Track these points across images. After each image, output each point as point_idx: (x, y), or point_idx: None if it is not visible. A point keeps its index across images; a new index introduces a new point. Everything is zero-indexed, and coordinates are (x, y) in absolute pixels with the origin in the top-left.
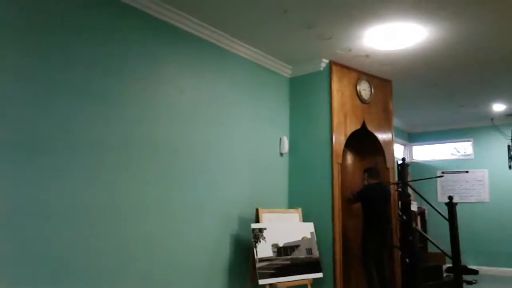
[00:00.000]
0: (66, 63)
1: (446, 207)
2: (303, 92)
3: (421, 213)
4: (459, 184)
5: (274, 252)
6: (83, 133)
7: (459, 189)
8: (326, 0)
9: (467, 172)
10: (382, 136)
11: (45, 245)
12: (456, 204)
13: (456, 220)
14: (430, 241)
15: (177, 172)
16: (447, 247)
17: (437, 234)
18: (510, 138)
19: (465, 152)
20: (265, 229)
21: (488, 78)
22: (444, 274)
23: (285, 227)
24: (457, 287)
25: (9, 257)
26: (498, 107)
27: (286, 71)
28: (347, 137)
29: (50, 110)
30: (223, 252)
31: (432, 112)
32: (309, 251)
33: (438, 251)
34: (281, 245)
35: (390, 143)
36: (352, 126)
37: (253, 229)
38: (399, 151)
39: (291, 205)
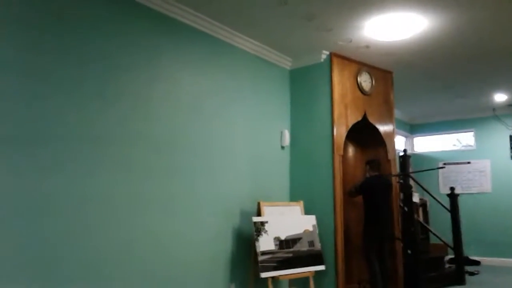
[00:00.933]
0: (61, 57)
1: (448, 198)
2: (304, 84)
3: (423, 204)
4: (461, 175)
5: (276, 245)
6: (80, 127)
7: (461, 180)
8: None
9: (469, 163)
10: (384, 128)
11: (40, 239)
12: (458, 195)
13: (458, 211)
14: (432, 232)
15: (178, 167)
16: (449, 238)
17: (439, 225)
18: None
19: (467, 143)
20: (266, 222)
21: (490, 68)
22: (446, 265)
23: (286, 220)
24: (459, 278)
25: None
26: (500, 97)
27: (287, 63)
28: (348, 129)
29: (46, 104)
30: (225, 246)
31: (434, 103)
32: (311, 243)
33: (440, 242)
34: (283, 238)
35: (391, 134)
36: (353, 118)
37: (255, 223)
38: (400, 143)
39: (293, 198)
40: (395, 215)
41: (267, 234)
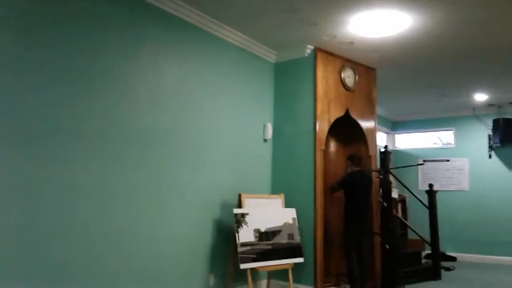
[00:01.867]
0: (44, 48)
1: (426, 195)
2: (288, 78)
3: (402, 200)
4: (440, 173)
5: (256, 237)
6: (60, 117)
7: (439, 178)
8: None
9: (448, 160)
10: (365, 124)
11: (22, 231)
12: (436, 192)
13: (435, 208)
14: (410, 228)
15: (159, 158)
16: (426, 234)
17: (417, 221)
18: (491, 128)
19: (447, 141)
20: (247, 214)
21: (471, 68)
22: (423, 261)
23: (267, 213)
24: (435, 273)
25: None
26: (480, 97)
27: (271, 56)
28: (330, 124)
29: (28, 94)
30: (206, 237)
31: (415, 101)
32: (291, 236)
33: (418, 237)
34: (263, 230)
35: (373, 131)
36: (336, 113)
37: (236, 214)
38: (382, 139)
39: (274, 190)
40: (375, 211)
41: (247, 226)
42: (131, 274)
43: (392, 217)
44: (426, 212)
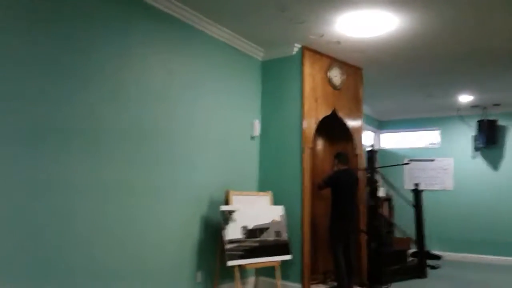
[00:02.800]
0: (28, 42)
1: (412, 194)
2: (275, 76)
3: (388, 199)
4: (425, 172)
5: (243, 234)
6: (48, 115)
7: (425, 177)
8: None
9: (433, 160)
10: (352, 123)
11: (15, 229)
12: (421, 191)
13: (421, 207)
14: (396, 226)
15: (147, 154)
16: (412, 233)
17: (403, 220)
18: (475, 128)
19: (432, 141)
20: (234, 211)
21: (456, 69)
22: (409, 259)
23: (255, 210)
24: (421, 271)
25: None
26: (464, 98)
27: (259, 54)
28: (317, 122)
29: (15, 93)
30: (193, 234)
31: (402, 100)
32: (278, 233)
33: (404, 236)
34: (250, 227)
35: (359, 130)
36: (323, 112)
37: (223, 211)
38: (368, 138)
39: (262, 188)
40: (361, 209)
41: (235, 223)
42: (118, 270)
43: (378, 215)
44: (411, 211)
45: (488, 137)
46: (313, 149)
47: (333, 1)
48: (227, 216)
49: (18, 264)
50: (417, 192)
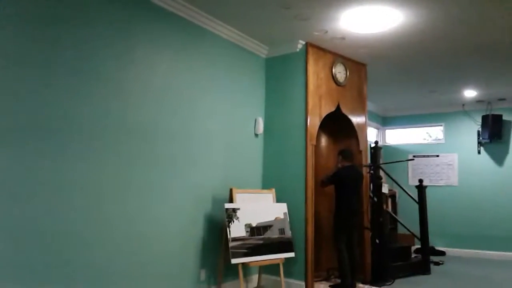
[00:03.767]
0: (34, 39)
1: (416, 190)
2: (279, 73)
3: (392, 195)
4: (429, 168)
5: (247, 232)
6: (50, 109)
7: (429, 173)
8: None
9: (437, 156)
10: (356, 119)
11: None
12: (426, 187)
13: (425, 203)
14: (400, 222)
15: (151, 153)
16: (416, 229)
17: (407, 216)
18: (480, 123)
19: (436, 137)
20: (238, 209)
21: (461, 65)
22: (413, 255)
23: (258, 207)
24: (425, 268)
25: None
26: (469, 93)
27: (263, 51)
28: (321, 119)
29: (17, 91)
30: (197, 232)
31: (406, 96)
32: (282, 231)
33: (408, 232)
34: (254, 225)
35: (363, 126)
36: (327, 109)
37: (227, 209)
38: (372, 134)
39: (265, 185)
40: (365, 205)
41: (239, 221)
42: (123, 270)
43: (382, 212)
44: (416, 207)
45: (493, 132)
46: (317, 146)
47: None
48: (230, 214)
49: (10, 265)
50: (421, 188)
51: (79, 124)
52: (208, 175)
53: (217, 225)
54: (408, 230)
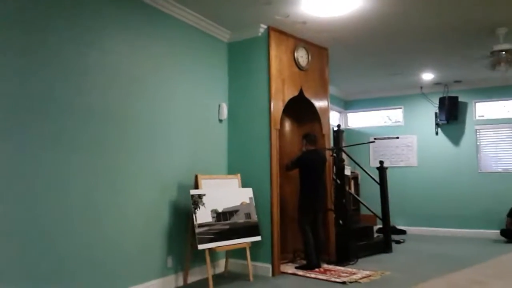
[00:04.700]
0: None
1: (377, 172)
2: (242, 58)
3: (355, 177)
4: (390, 150)
5: (213, 217)
6: (4, 94)
7: (390, 155)
8: None
9: (397, 138)
10: (319, 103)
11: None
12: (386, 168)
13: (386, 184)
14: (362, 203)
15: (113, 139)
16: (378, 209)
17: (369, 197)
18: (437, 105)
19: (396, 119)
20: (204, 195)
21: (419, 48)
22: (375, 235)
23: (224, 193)
24: (386, 246)
25: None
26: (427, 76)
27: (225, 36)
28: (285, 103)
29: None
30: (162, 219)
31: (366, 80)
32: (248, 215)
33: (370, 213)
34: (220, 210)
35: (326, 110)
36: (290, 93)
37: (192, 195)
38: (335, 118)
39: (230, 171)
40: (329, 188)
41: (205, 206)
42: (86, 258)
43: (345, 193)
44: (377, 188)
45: (450, 114)
46: (281, 130)
47: None
48: (196, 200)
49: None
50: (382, 170)
51: (33, 110)
52: (172, 162)
53: (183, 212)
54: (370, 210)
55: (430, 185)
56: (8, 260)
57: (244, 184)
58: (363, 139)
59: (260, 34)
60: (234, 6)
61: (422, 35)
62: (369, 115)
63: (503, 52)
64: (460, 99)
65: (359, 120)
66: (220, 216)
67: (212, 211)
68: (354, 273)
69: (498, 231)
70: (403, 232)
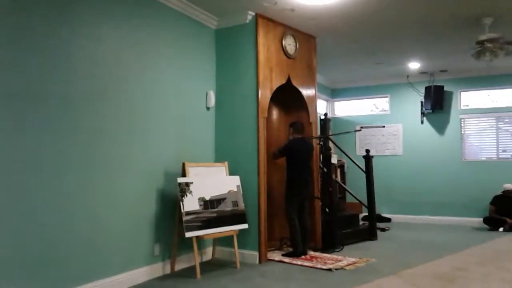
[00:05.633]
0: None
1: (363, 160)
2: (229, 45)
3: (341, 165)
4: (376, 138)
5: (200, 205)
6: None
7: (376, 143)
8: None
9: (383, 126)
10: (306, 92)
11: None
12: (372, 157)
13: (372, 172)
14: (349, 191)
15: (99, 127)
16: (363, 197)
17: (355, 185)
18: (423, 94)
19: (382, 108)
20: (191, 183)
21: (405, 37)
22: (361, 222)
23: (211, 181)
24: (371, 234)
25: None
26: (413, 65)
27: (212, 22)
28: (272, 91)
29: None
30: (150, 207)
31: (353, 69)
32: (235, 203)
33: (356, 201)
34: (207, 198)
35: (313, 98)
36: (278, 81)
37: (180, 183)
38: (322, 107)
39: (218, 159)
40: (315, 176)
41: (192, 194)
42: (74, 247)
43: (331, 181)
44: (363, 176)
45: (435, 103)
46: (269, 118)
47: None
48: (184, 188)
49: None
50: (368, 158)
51: (18, 97)
52: (160, 150)
53: (170, 200)
54: (356, 198)
55: (415, 174)
56: None
57: (231, 172)
58: (350, 127)
59: (248, 21)
60: None
61: (409, 25)
62: (356, 103)
63: (488, 42)
64: (445, 88)
65: (346, 108)
66: (208, 204)
67: (199, 199)
68: (339, 260)
69: (481, 219)
70: (388, 220)
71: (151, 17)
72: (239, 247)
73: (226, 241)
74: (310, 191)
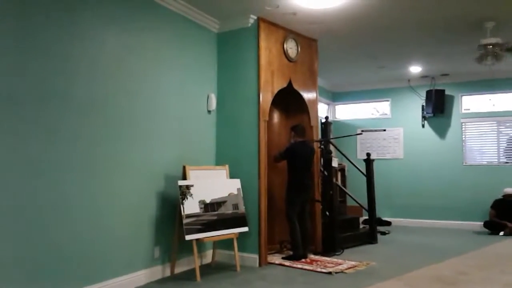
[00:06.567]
0: None
1: (364, 164)
2: (231, 49)
3: (342, 169)
4: (377, 142)
5: (201, 208)
6: None
7: (376, 147)
8: None
9: (384, 130)
10: (307, 95)
11: None
12: (373, 160)
13: (372, 176)
14: (349, 195)
15: (101, 130)
16: (364, 201)
17: (356, 188)
18: (424, 98)
19: (383, 112)
20: (192, 186)
21: (407, 41)
22: (361, 226)
23: (212, 184)
24: (372, 237)
25: None
26: (415, 69)
27: (214, 26)
28: (274, 95)
29: None
30: (150, 210)
31: (355, 72)
32: (236, 206)
33: (356, 204)
34: (208, 201)
35: (314, 102)
36: (279, 84)
37: (180, 186)
38: (323, 110)
39: (218, 162)
40: (316, 179)
41: (192, 197)
42: (74, 248)
43: (332, 185)
44: (364, 180)
45: (436, 106)
46: (270, 121)
47: None
48: (184, 191)
49: None
50: (368, 162)
51: (21, 102)
52: (160, 152)
53: (171, 203)
54: (357, 202)
55: (415, 177)
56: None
57: (232, 175)
58: (351, 131)
59: (249, 25)
60: None
61: (411, 29)
62: (357, 107)
63: (490, 46)
64: (446, 92)
65: (347, 112)
66: (208, 207)
67: (199, 202)
68: (340, 264)
69: (482, 223)
70: (388, 223)
71: (153, 21)
72: (239, 250)
73: (226, 244)
74: (311, 194)
